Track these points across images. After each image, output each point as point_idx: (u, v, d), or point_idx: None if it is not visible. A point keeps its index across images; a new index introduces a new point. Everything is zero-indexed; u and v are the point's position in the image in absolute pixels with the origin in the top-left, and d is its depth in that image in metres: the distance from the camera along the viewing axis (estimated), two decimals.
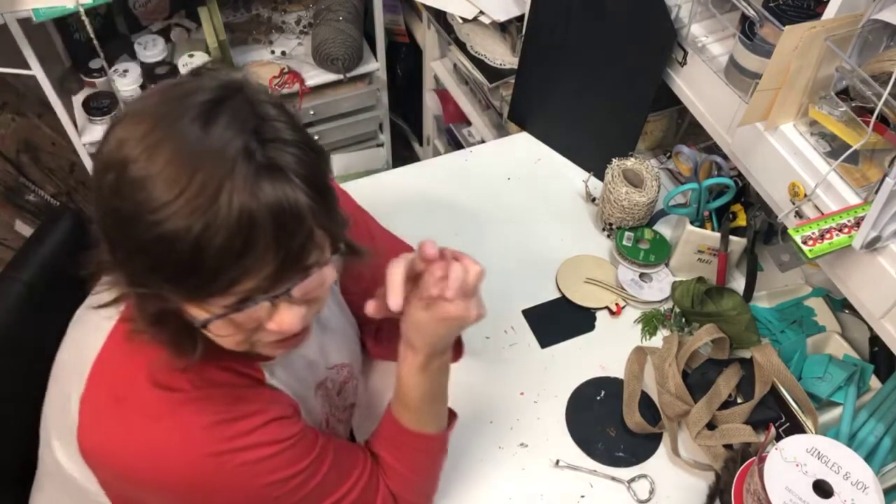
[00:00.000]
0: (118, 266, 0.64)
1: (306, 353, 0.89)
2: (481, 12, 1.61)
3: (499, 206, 1.36)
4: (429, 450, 0.91)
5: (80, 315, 0.81)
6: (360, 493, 0.83)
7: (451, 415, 0.94)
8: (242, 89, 0.63)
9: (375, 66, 1.96)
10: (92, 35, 1.53)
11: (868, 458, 0.98)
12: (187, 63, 1.78)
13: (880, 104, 0.82)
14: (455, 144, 2.04)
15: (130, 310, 0.71)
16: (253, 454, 0.73)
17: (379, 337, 1.06)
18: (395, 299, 0.75)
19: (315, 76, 1.89)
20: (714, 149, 1.17)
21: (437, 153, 2.21)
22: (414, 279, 0.79)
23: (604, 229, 1.31)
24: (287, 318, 0.68)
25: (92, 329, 0.76)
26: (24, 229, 1.82)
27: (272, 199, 0.59)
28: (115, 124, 0.62)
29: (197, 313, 0.65)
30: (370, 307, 0.80)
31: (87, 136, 1.73)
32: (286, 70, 1.87)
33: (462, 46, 1.69)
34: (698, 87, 1.15)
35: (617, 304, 1.21)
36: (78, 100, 1.78)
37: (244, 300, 0.64)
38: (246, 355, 0.76)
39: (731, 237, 1.17)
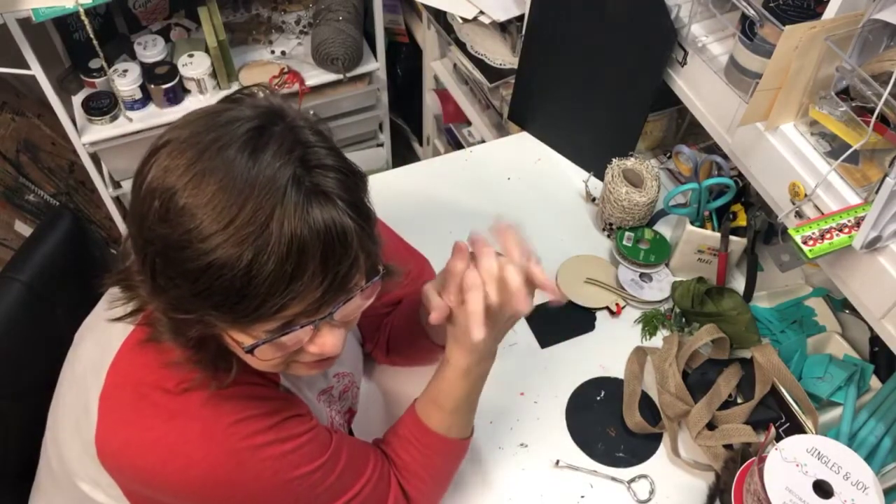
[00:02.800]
0: (158, 291, 0.64)
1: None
2: (481, 12, 1.61)
3: (499, 206, 1.36)
4: (451, 455, 0.91)
5: (92, 324, 0.81)
6: (373, 490, 0.83)
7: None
8: (284, 116, 0.64)
9: (375, 65, 1.96)
10: (91, 35, 1.53)
11: (868, 458, 0.98)
12: (187, 63, 1.78)
13: (880, 104, 0.82)
14: (455, 144, 2.04)
15: (149, 314, 0.71)
16: (274, 450, 0.74)
17: (388, 346, 1.07)
18: (434, 314, 0.78)
19: (315, 76, 1.89)
20: (714, 149, 1.17)
21: (437, 153, 2.21)
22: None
23: (604, 229, 1.31)
24: (329, 340, 0.69)
25: (108, 334, 0.76)
26: (24, 229, 1.82)
27: (321, 224, 0.60)
28: (156, 151, 0.62)
29: (241, 339, 0.66)
30: (433, 317, 0.79)
31: (87, 135, 1.73)
32: (286, 70, 1.87)
33: (462, 46, 1.69)
34: (698, 87, 1.15)
35: (617, 304, 1.21)
36: (77, 100, 1.78)
37: (289, 324, 0.64)
38: None
39: (731, 237, 1.17)
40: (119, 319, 0.72)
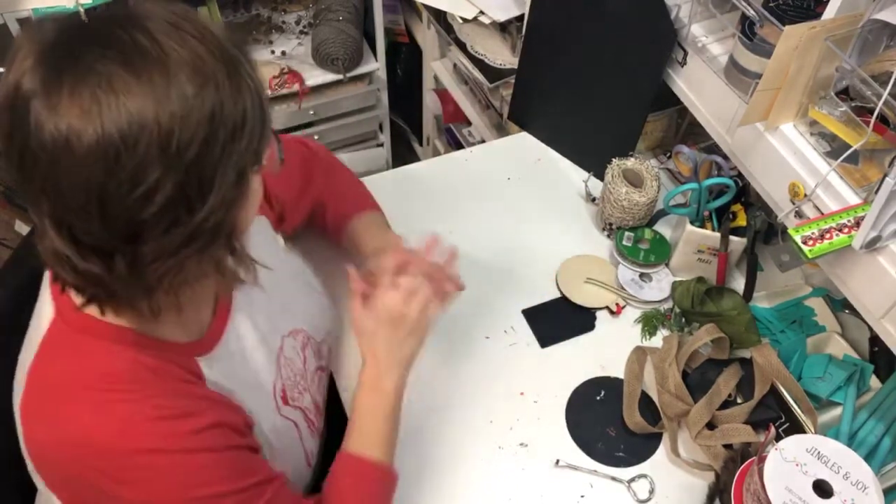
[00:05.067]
0: (251, 152, 0.66)
1: (255, 327, 0.89)
2: (481, 12, 1.61)
3: (499, 206, 1.36)
4: (372, 480, 0.88)
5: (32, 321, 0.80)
6: None
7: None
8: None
9: (375, 66, 1.96)
10: None
11: (868, 458, 0.98)
12: None
13: (880, 104, 0.82)
14: (455, 144, 2.05)
15: (65, 302, 0.71)
16: (190, 459, 0.71)
17: (323, 221, 1.15)
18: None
19: (315, 76, 1.89)
20: (714, 149, 1.17)
21: (437, 153, 2.21)
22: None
23: (604, 229, 1.31)
24: (272, 151, 0.74)
25: (32, 328, 0.75)
26: (24, 229, 1.82)
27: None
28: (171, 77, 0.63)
29: (259, 172, 0.70)
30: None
31: None
32: (286, 70, 1.87)
33: (462, 46, 1.69)
34: (698, 87, 1.15)
35: (617, 304, 1.21)
36: None
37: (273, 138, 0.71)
38: (184, 349, 0.77)
39: (731, 237, 1.17)
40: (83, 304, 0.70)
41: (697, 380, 1.07)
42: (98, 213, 0.59)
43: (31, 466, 0.75)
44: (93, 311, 0.71)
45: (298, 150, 1.12)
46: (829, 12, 0.88)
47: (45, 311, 0.75)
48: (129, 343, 0.72)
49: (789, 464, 0.86)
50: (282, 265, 0.98)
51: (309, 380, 0.97)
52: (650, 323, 1.19)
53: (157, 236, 0.61)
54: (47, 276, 0.76)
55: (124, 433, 0.69)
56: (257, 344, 0.88)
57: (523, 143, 1.48)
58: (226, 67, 0.62)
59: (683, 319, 1.18)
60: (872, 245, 0.85)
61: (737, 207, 1.20)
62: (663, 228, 1.28)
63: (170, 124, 0.58)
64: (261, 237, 0.95)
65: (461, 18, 1.65)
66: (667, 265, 1.25)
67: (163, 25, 0.61)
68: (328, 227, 1.15)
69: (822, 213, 0.92)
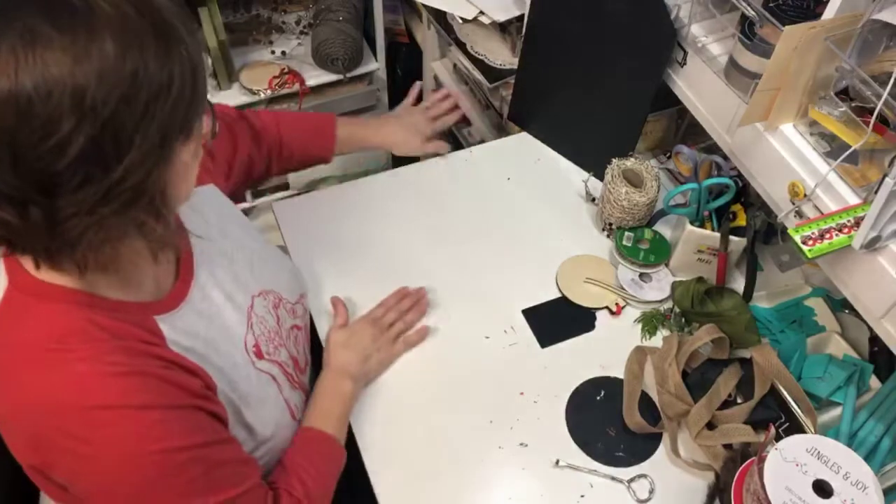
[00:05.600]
0: (136, 158, 0.64)
1: (222, 285, 0.91)
2: (481, 12, 1.61)
3: (499, 206, 1.36)
4: (325, 448, 1.00)
5: None
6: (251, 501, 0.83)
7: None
8: None
9: (375, 66, 1.96)
10: None
11: (868, 458, 0.98)
12: None
13: (880, 104, 0.82)
14: (455, 144, 2.04)
15: (16, 268, 0.73)
16: (150, 415, 0.72)
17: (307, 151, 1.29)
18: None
19: (315, 76, 1.89)
20: (714, 149, 1.17)
21: (437, 153, 2.20)
22: None
23: (604, 229, 1.31)
24: (208, 122, 0.75)
25: None
26: None
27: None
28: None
29: (192, 144, 0.71)
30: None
31: None
32: (286, 70, 1.87)
33: (462, 46, 1.69)
34: (698, 87, 1.15)
35: (617, 304, 1.21)
36: None
37: (208, 113, 0.73)
38: (141, 309, 0.78)
39: (731, 237, 1.17)
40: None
41: (697, 380, 1.07)
42: (10, 160, 0.60)
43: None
44: (45, 275, 0.72)
45: (232, 115, 1.19)
46: (829, 12, 0.88)
47: None
48: (83, 304, 0.73)
49: (789, 464, 0.86)
50: (243, 230, 1.02)
51: (284, 336, 1.01)
52: (650, 323, 1.19)
53: (71, 190, 0.62)
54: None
55: (81, 391, 0.70)
56: (225, 302, 0.91)
57: (523, 143, 1.48)
58: (155, 31, 0.63)
59: (683, 319, 1.18)
60: (872, 245, 0.85)
61: (737, 207, 1.20)
62: (663, 228, 1.28)
63: (86, 80, 0.59)
64: (216, 202, 1.00)
65: (461, 18, 1.65)
66: (667, 265, 1.25)
67: None
68: (306, 157, 1.29)
69: (822, 213, 0.92)
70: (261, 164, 1.23)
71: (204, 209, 0.95)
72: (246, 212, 1.91)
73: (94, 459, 0.72)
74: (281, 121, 1.25)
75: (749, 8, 0.98)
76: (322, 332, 1.16)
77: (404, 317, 1.17)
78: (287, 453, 0.95)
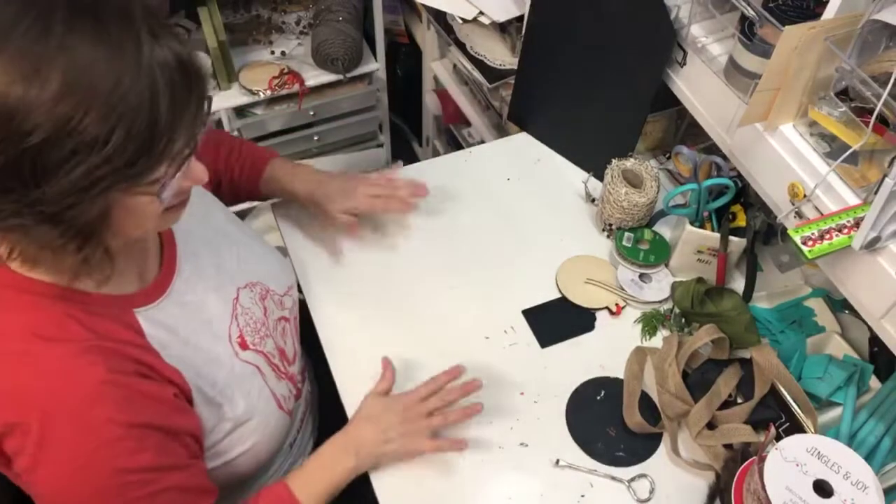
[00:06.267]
0: (64, 176, 0.63)
1: (206, 277, 0.92)
2: (481, 13, 1.61)
3: (499, 206, 1.36)
4: None
5: None
6: None
7: None
8: None
9: (375, 66, 1.96)
10: None
11: (868, 458, 0.98)
12: None
13: (880, 104, 0.82)
14: (455, 144, 2.05)
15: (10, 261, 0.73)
16: (106, 430, 0.73)
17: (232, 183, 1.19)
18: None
19: (315, 76, 1.89)
20: (714, 149, 1.17)
21: (436, 153, 2.21)
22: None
23: (604, 230, 1.31)
24: (199, 169, 0.75)
25: None
26: None
27: (185, 56, 0.66)
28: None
29: (142, 196, 0.69)
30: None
31: None
32: (286, 70, 1.87)
33: (462, 47, 1.69)
34: (698, 87, 1.15)
35: (617, 305, 1.21)
36: None
37: (178, 157, 0.68)
38: (120, 301, 0.78)
39: (731, 237, 1.17)
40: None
41: (697, 380, 1.07)
42: None
43: None
44: (24, 268, 0.73)
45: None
46: (829, 12, 0.88)
47: None
48: (59, 298, 0.74)
49: (789, 464, 0.86)
50: (230, 222, 1.03)
51: (271, 328, 1.01)
52: (650, 323, 1.19)
53: None
54: None
55: (47, 392, 0.71)
56: (208, 293, 0.91)
57: (523, 143, 1.48)
58: (109, 87, 0.61)
59: (683, 320, 1.18)
60: (872, 245, 0.85)
61: (736, 208, 1.20)
62: (663, 229, 1.28)
63: (16, 106, 0.60)
64: (203, 195, 1.01)
65: (461, 19, 1.65)
66: (666, 265, 1.25)
67: (88, 23, 0.62)
68: (239, 189, 1.20)
69: (822, 214, 0.92)
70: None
71: (192, 202, 0.95)
72: (245, 212, 1.92)
73: (46, 464, 0.72)
74: (221, 142, 1.20)
75: (749, 8, 0.98)
76: (321, 331, 1.16)
77: (447, 410, 1.02)
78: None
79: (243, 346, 0.94)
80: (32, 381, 0.71)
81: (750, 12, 0.98)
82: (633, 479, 1.03)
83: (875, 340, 1.11)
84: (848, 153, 0.87)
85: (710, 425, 1.04)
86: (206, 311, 0.91)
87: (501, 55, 1.64)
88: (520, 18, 1.55)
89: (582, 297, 1.22)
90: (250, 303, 0.98)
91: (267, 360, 0.97)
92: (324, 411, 1.20)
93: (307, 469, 0.96)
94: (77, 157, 0.62)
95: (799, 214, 0.96)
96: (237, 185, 1.19)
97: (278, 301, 1.05)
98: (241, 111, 1.88)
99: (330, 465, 0.96)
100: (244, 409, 0.90)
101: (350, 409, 1.07)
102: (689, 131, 1.41)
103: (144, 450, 0.75)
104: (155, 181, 0.68)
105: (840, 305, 1.18)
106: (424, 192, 1.23)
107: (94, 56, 0.61)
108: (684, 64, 1.16)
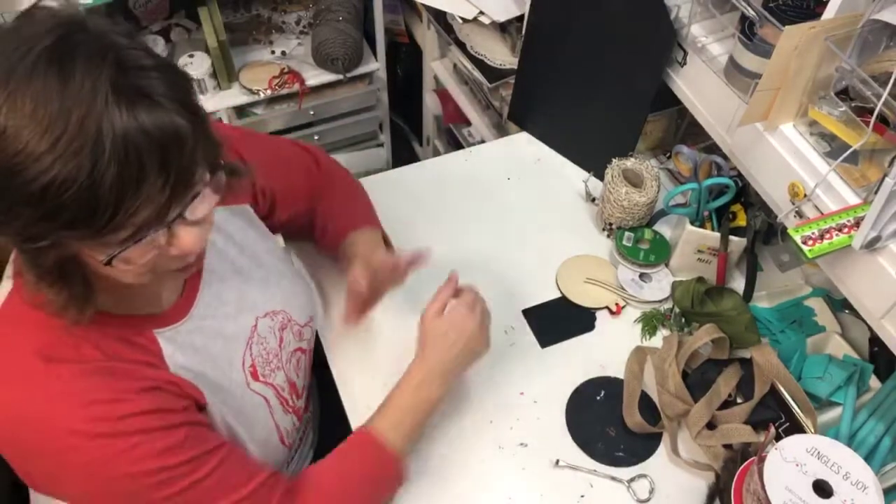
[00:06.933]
0: (3, 226, 0.63)
1: (226, 304, 0.90)
2: (481, 12, 1.61)
3: (499, 206, 1.36)
4: (374, 464, 0.92)
5: None
6: None
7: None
8: (85, 25, 0.62)
9: (375, 66, 1.96)
10: None
11: (868, 458, 0.98)
12: (187, 63, 1.78)
13: (880, 104, 0.82)
14: (455, 144, 2.05)
15: (24, 275, 0.71)
16: (119, 442, 0.72)
17: (324, 233, 1.12)
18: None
19: (315, 76, 1.89)
20: (714, 149, 1.17)
21: (437, 153, 2.21)
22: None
23: (604, 229, 1.31)
24: (187, 239, 0.69)
25: None
26: None
27: (151, 126, 0.60)
28: None
29: (97, 254, 0.65)
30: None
31: None
32: (286, 70, 1.87)
33: (462, 47, 1.69)
34: (698, 87, 1.15)
35: (617, 304, 1.21)
36: None
37: (142, 229, 0.64)
38: (140, 322, 0.78)
39: (731, 237, 1.17)
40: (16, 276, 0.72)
41: (697, 380, 1.07)
42: None
43: None
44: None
45: (304, 162, 1.11)
46: (829, 12, 0.88)
47: (4, 284, 0.76)
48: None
49: (789, 464, 0.86)
50: (261, 250, 0.99)
51: (285, 360, 0.98)
52: (650, 323, 1.19)
53: None
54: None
55: (52, 412, 0.70)
56: (227, 321, 0.90)
57: (523, 143, 1.48)
58: (43, 148, 0.57)
59: (683, 319, 1.18)
60: (872, 245, 0.85)
61: (737, 207, 1.20)
62: (663, 228, 1.28)
63: None
64: (243, 221, 0.98)
65: (461, 18, 1.65)
66: (667, 265, 1.25)
67: (51, 71, 0.58)
68: (325, 241, 1.13)
69: (822, 214, 0.92)
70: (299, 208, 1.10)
71: (228, 227, 0.94)
72: None
73: (67, 479, 0.73)
74: (316, 177, 1.12)
75: (749, 8, 0.98)
76: (325, 341, 1.15)
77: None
78: (329, 457, 0.90)
79: (255, 376, 0.92)
80: (32, 406, 0.71)
81: (750, 12, 0.98)
82: (632, 480, 1.03)
83: (875, 340, 1.11)
84: (848, 153, 0.87)
85: (710, 425, 1.04)
86: (223, 337, 0.89)
87: (501, 55, 1.64)
88: (520, 18, 1.55)
89: (582, 296, 1.22)
90: (268, 332, 0.95)
91: (276, 393, 0.95)
92: (324, 415, 1.19)
93: (387, 412, 0.94)
94: (15, 208, 0.60)
95: (799, 214, 0.96)
96: (307, 232, 1.13)
97: (297, 332, 1.02)
98: (241, 111, 1.88)
99: (415, 399, 0.95)
100: (246, 439, 0.88)
101: (352, 416, 1.07)
102: (689, 131, 1.41)
103: (159, 451, 0.75)
104: (118, 242, 0.64)
105: (840, 305, 1.18)
106: (425, 262, 1.08)
107: (39, 111, 0.57)
108: (684, 64, 1.16)
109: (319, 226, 1.12)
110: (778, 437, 0.96)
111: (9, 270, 0.76)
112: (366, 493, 0.92)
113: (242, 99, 1.85)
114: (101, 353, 0.74)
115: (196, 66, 1.78)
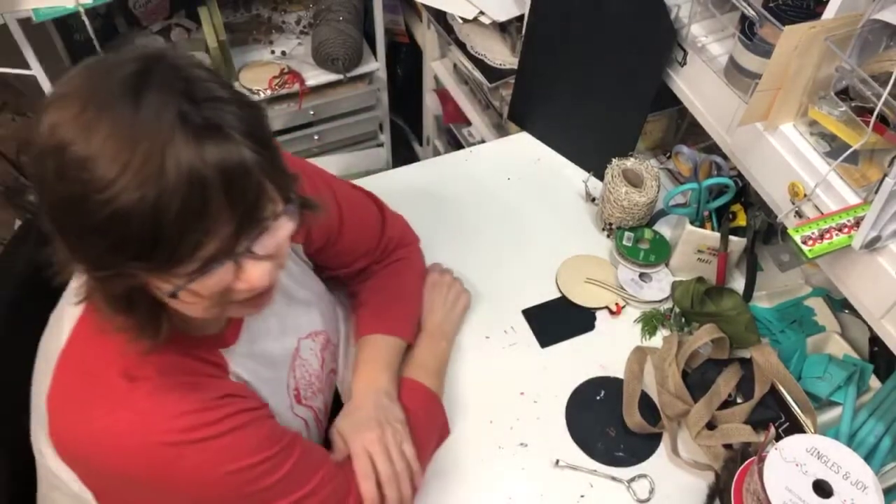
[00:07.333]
0: (74, 253, 0.64)
1: (270, 327, 0.90)
2: (481, 12, 1.61)
3: (499, 206, 1.36)
4: (434, 413, 1.03)
5: (54, 314, 0.82)
6: (329, 494, 0.84)
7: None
8: (165, 56, 0.63)
9: (375, 66, 1.96)
10: (92, 35, 1.53)
11: (868, 458, 0.98)
12: None
13: (880, 104, 0.82)
14: (455, 144, 2.05)
15: (96, 301, 0.71)
16: (215, 444, 0.74)
17: (352, 310, 1.11)
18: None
19: (315, 76, 1.89)
20: (714, 149, 1.17)
21: (437, 153, 2.21)
22: None
23: (604, 229, 1.31)
24: (254, 274, 0.68)
25: (56, 327, 0.77)
26: None
27: (217, 157, 0.60)
28: (44, 110, 0.61)
29: (163, 285, 0.65)
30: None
31: None
32: (286, 70, 1.87)
33: (462, 46, 1.69)
34: (698, 87, 1.15)
35: (617, 304, 1.21)
36: None
37: (209, 262, 0.64)
38: (207, 341, 0.78)
39: (731, 237, 1.17)
40: (81, 301, 0.72)
41: (697, 380, 1.07)
42: None
43: (51, 458, 0.76)
44: None
45: (374, 232, 1.08)
46: (829, 12, 0.88)
47: (70, 310, 0.76)
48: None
49: (789, 464, 0.86)
50: (299, 270, 0.99)
51: (324, 381, 0.99)
52: (650, 323, 1.19)
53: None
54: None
55: (145, 428, 0.71)
56: (274, 342, 0.90)
57: (523, 143, 1.48)
58: (109, 178, 0.58)
59: (683, 319, 1.18)
60: (872, 245, 0.85)
61: (737, 207, 1.20)
62: (663, 228, 1.28)
63: (44, 156, 0.60)
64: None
65: (461, 18, 1.65)
66: (667, 265, 1.25)
67: (126, 103, 0.59)
68: (354, 316, 1.09)
69: (822, 213, 0.92)
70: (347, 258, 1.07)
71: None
72: None
73: (170, 490, 0.74)
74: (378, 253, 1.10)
75: (749, 8, 0.98)
76: None
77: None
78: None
79: (298, 400, 0.93)
80: (125, 425, 0.71)
81: (750, 12, 0.98)
82: (632, 480, 1.03)
83: (875, 340, 1.11)
84: (848, 153, 0.87)
85: (710, 425, 1.04)
86: (272, 359, 0.90)
87: (501, 55, 1.64)
88: (520, 18, 1.55)
89: (582, 296, 1.22)
90: (310, 354, 0.96)
91: (315, 416, 0.96)
92: None
93: (418, 362, 1.05)
94: (86, 236, 0.61)
95: (799, 214, 0.96)
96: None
97: (333, 352, 1.03)
98: None
99: (434, 353, 1.08)
100: None
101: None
102: (689, 131, 1.41)
103: (252, 447, 0.77)
104: (184, 275, 0.64)
105: (840, 305, 1.18)
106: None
107: (110, 140, 0.58)
108: (684, 63, 1.16)
109: (353, 302, 1.10)
110: (778, 437, 0.96)
111: (71, 296, 0.76)
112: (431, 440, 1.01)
113: None
114: (178, 369, 0.75)
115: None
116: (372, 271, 1.09)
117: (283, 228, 0.69)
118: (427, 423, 0.99)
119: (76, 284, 0.72)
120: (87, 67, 0.63)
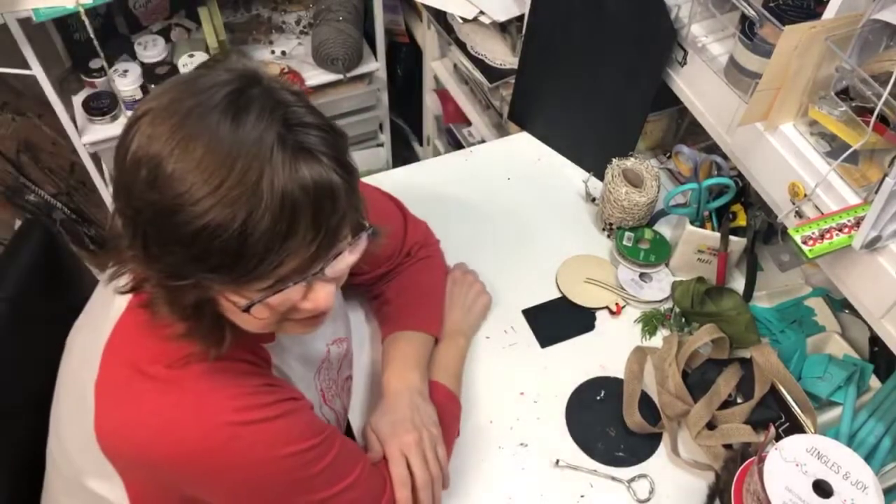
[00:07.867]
0: (152, 261, 0.65)
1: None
2: (481, 12, 1.61)
3: (499, 206, 1.36)
4: (455, 415, 1.02)
5: (82, 323, 0.82)
6: (369, 480, 0.85)
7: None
8: (260, 79, 0.65)
9: (375, 66, 1.96)
10: (92, 35, 1.53)
11: (868, 458, 0.98)
12: (187, 63, 1.78)
13: (880, 104, 0.82)
14: (455, 144, 2.04)
15: (141, 296, 0.72)
16: (268, 426, 0.75)
17: (377, 312, 1.13)
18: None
19: (315, 76, 1.89)
20: (714, 149, 1.17)
21: (437, 153, 2.21)
22: None
23: (604, 229, 1.31)
24: (322, 296, 0.71)
25: (99, 322, 0.77)
26: None
27: (309, 181, 0.62)
28: (137, 121, 0.63)
29: (236, 299, 0.67)
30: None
31: (87, 136, 1.73)
32: (286, 70, 1.87)
33: (462, 46, 1.69)
34: (698, 87, 1.15)
35: (617, 304, 1.21)
36: (78, 100, 1.78)
37: (283, 281, 0.66)
38: (252, 336, 0.78)
39: (731, 237, 1.17)
40: (125, 292, 0.73)
41: (697, 380, 1.07)
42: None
43: (79, 455, 0.77)
44: None
45: (396, 234, 1.11)
46: (829, 12, 0.88)
47: (116, 297, 0.76)
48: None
49: (789, 464, 0.86)
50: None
51: (340, 386, 1.00)
52: (650, 323, 1.19)
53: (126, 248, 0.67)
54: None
55: (203, 407, 0.72)
56: (304, 345, 0.91)
57: (523, 143, 1.48)
58: (203, 193, 0.60)
59: (683, 319, 1.18)
60: (872, 245, 0.85)
61: (737, 207, 1.20)
62: (663, 228, 1.28)
63: (139, 170, 0.61)
64: None
65: (461, 18, 1.65)
66: (667, 265, 1.25)
67: (225, 120, 0.61)
68: (377, 318, 1.13)
69: (822, 213, 0.92)
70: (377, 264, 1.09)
71: None
72: None
73: (223, 472, 0.74)
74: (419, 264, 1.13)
75: (749, 8, 0.97)
76: None
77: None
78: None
79: (324, 399, 0.94)
80: (177, 409, 0.72)
81: (750, 12, 0.98)
82: (632, 480, 1.03)
83: (875, 340, 1.11)
84: (848, 152, 0.87)
85: (710, 425, 1.04)
86: (303, 358, 0.90)
87: (502, 55, 1.64)
88: (520, 18, 1.55)
89: (582, 296, 1.22)
90: (335, 358, 0.97)
91: (336, 419, 0.97)
92: None
93: (440, 364, 1.05)
94: (169, 246, 0.62)
95: (799, 214, 0.96)
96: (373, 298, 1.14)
97: (350, 359, 1.04)
98: None
99: (453, 351, 1.08)
100: None
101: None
102: (689, 131, 1.41)
103: (304, 432, 0.78)
104: (257, 291, 0.66)
105: (840, 305, 1.18)
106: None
107: (206, 157, 0.60)
108: (685, 63, 1.16)
109: (376, 302, 1.13)
110: (778, 437, 0.96)
111: (105, 292, 0.77)
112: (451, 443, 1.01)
113: None
114: (227, 357, 0.75)
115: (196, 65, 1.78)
116: (395, 273, 1.11)
117: (354, 254, 0.71)
118: (449, 426, 1.00)
119: (117, 280, 0.73)
120: (181, 82, 0.65)
